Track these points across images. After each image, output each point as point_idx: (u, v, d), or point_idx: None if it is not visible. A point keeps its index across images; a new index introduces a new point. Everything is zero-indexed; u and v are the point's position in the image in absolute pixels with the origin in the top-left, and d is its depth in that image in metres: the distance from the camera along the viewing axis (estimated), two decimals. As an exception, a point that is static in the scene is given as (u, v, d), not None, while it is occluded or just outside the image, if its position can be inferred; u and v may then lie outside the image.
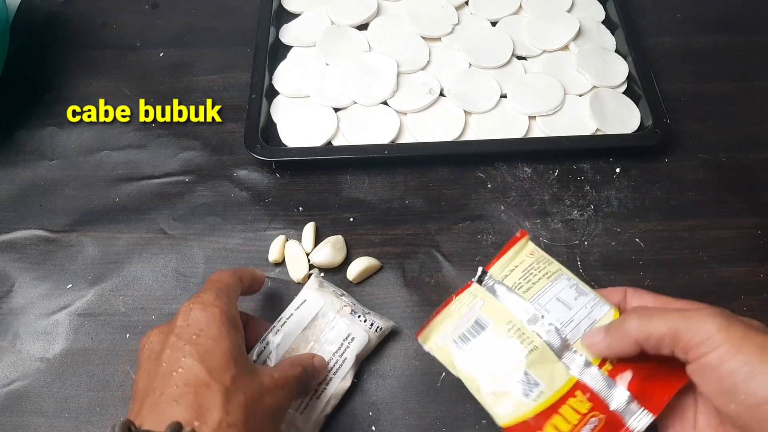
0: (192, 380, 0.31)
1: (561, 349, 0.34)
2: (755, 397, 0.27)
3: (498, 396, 0.34)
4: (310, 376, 0.37)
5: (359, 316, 0.42)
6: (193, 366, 0.31)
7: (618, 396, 0.33)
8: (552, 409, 0.32)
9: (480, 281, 0.38)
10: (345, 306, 0.42)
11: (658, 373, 0.33)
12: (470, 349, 0.35)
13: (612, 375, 0.33)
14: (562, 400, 0.33)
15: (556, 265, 0.38)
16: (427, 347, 0.37)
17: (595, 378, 0.33)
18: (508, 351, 0.34)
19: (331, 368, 0.40)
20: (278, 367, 0.36)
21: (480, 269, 0.38)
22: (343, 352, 0.40)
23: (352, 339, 0.41)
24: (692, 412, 0.33)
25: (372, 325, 0.42)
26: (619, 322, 0.33)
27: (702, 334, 0.29)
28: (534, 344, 0.34)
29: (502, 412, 0.33)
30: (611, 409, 0.32)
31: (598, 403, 0.33)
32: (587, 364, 0.34)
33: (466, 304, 0.37)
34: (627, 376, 0.33)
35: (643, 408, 0.32)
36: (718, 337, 0.28)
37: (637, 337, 0.31)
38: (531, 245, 0.39)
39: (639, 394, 0.32)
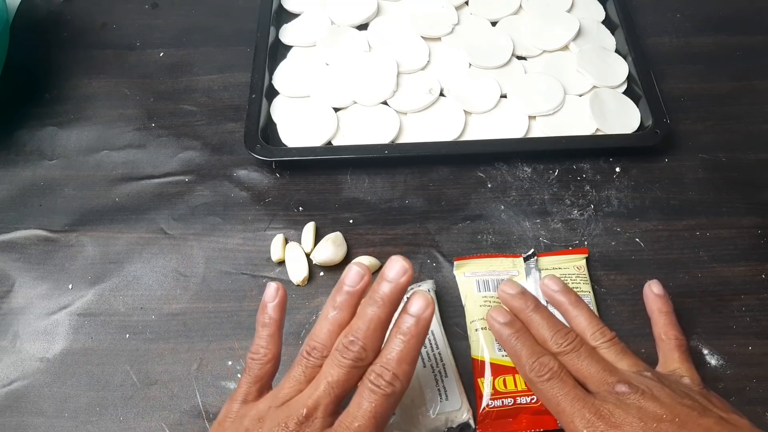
0: None
1: None
2: None
3: (480, 337, 0.42)
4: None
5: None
6: None
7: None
8: (510, 369, 0.40)
9: (526, 259, 0.45)
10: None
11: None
12: (484, 296, 0.43)
13: None
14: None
15: (588, 288, 0.44)
16: (456, 272, 0.45)
17: None
18: None
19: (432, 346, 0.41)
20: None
21: (533, 250, 0.45)
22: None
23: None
24: None
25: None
26: None
27: None
28: None
29: (476, 348, 0.41)
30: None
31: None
32: None
33: (504, 266, 0.45)
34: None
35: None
36: None
37: None
38: (583, 263, 0.45)
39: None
